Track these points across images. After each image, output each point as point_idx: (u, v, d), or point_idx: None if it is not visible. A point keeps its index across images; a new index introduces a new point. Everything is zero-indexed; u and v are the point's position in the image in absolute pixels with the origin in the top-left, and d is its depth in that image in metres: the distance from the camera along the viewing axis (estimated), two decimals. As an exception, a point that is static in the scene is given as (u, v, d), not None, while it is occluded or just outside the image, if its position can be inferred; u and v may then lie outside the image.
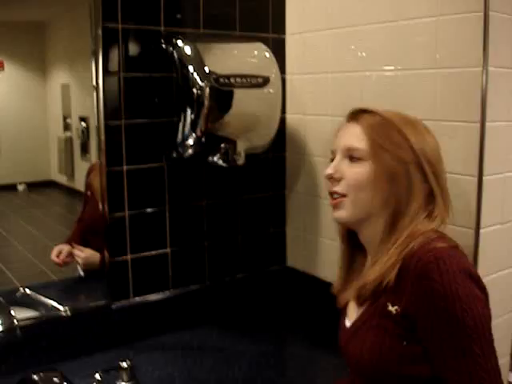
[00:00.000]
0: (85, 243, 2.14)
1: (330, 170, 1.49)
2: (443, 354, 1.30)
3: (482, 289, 1.36)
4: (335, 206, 1.49)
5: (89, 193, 2.12)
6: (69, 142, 2.17)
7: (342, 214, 1.48)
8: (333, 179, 1.49)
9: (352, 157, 1.47)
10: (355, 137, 1.48)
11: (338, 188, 1.47)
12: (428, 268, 1.30)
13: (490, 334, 1.35)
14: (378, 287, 1.39)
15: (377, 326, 1.40)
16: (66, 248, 2.12)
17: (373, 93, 2.05)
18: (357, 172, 1.45)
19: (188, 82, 1.92)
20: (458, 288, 1.29)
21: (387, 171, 1.42)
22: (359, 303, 1.49)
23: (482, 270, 1.79)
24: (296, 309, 2.38)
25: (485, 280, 1.78)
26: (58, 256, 2.11)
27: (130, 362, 1.74)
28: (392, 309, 1.37)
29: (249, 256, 2.38)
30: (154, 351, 1.99)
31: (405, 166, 1.42)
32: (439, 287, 1.28)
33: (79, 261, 2.11)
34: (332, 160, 1.53)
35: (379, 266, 1.40)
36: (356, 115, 1.55)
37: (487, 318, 1.36)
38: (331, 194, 1.50)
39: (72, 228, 2.21)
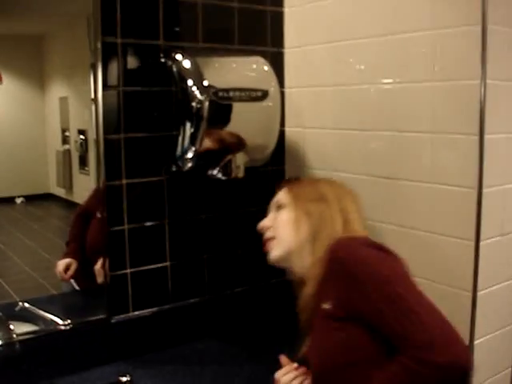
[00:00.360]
0: (86, 261, 2.14)
1: (261, 224, 1.83)
2: (378, 311, 1.40)
3: (388, 252, 1.53)
4: (268, 250, 1.78)
5: (98, 215, 2.09)
6: (67, 154, 2.17)
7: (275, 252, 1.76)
8: (264, 229, 1.81)
9: (279, 207, 1.81)
10: (280, 195, 1.83)
11: (269, 234, 1.79)
12: (334, 252, 1.55)
13: (410, 279, 1.47)
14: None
15: (319, 328, 1.58)
16: (74, 264, 2.11)
17: (371, 106, 2.06)
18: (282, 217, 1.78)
19: (187, 95, 1.93)
20: (363, 253, 1.51)
21: (304, 212, 1.74)
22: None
23: (482, 283, 1.80)
24: (296, 322, 2.37)
25: (485, 292, 1.80)
26: (65, 271, 2.10)
27: (130, 376, 1.74)
28: (326, 306, 1.54)
29: (248, 269, 2.37)
30: (154, 365, 1.98)
31: (317, 206, 1.73)
32: (347, 258, 1.51)
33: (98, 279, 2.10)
34: None
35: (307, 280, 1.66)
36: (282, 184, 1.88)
37: (401, 267, 1.50)
38: (264, 243, 1.80)
39: (69, 243, 2.21)
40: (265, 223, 1.82)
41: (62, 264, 2.11)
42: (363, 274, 1.45)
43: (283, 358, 1.73)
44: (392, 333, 1.38)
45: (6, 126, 2.06)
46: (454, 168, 1.82)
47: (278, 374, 1.68)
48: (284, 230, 1.76)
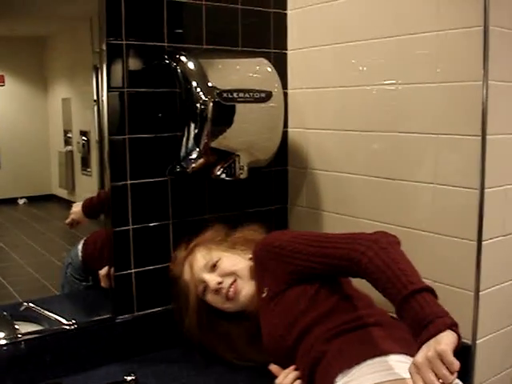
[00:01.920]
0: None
1: (216, 280, 1.94)
2: (309, 258, 1.73)
3: None
4: (237, 293, 1.94)
5: None
6: (69, 156, 2.18)
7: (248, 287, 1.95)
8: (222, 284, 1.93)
9: (213, 265, 1.96)
10: (200, 259, 1.99)
11: (229, 280, 1.94)
12: (258, 243, 1.92)
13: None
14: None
15: (264, 317, 1.85)
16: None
17: (374, 107, 2.07)
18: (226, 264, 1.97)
19: (191, 96, 1.94)
20: (274, 234, 1.94)
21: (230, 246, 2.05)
22: None
23: (484, 282, 1.81)
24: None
25: (488, 291, 1.80)
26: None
27: (135, 375, 1.75)
28: (263, 295, 1.85)
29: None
30: (159, 365, 1.99)
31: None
32: (267, 239, 1.91)
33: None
34: (204, 290, 1.97)
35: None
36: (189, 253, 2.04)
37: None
38: (227, 296, 1.93)
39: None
40: (217, 280, 1.93)
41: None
42: (282, 243, 1.80)
43: (273, 367, 1.77)
44: (335, 262, 1.66)
45: (9, 127, 2.06)
46: (456, 169, 1.83)
47: (279, 380, 1.72)
48: (239, 267, 1.96)
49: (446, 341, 1.29)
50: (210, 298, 1.96)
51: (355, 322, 1.64)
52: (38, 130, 2.16)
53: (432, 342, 1.31)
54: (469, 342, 1.84)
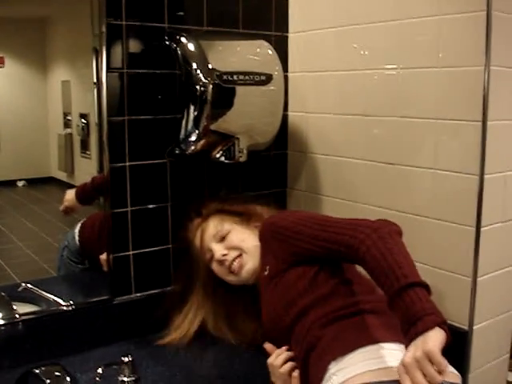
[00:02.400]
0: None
1: (222, 252, 1.96)
2: (312, 240, 1.72)
3: None
4: (241, 267, 1.95)
5: None
6: (69, 138, 2.17)
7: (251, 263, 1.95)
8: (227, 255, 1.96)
9: (222, 236, 1.99)
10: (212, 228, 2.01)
11: (233, 253, 1.95)
12: (264, 222, 1.94)
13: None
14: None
15: (265, 295, 1.87)
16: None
17: (375, 91, 2.06)
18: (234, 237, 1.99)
19: (191, 78, 1.93)
20: (281, 214, 1.98)
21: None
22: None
23: (482, 269, 1.81)
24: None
25: (485, 278, 1.81)
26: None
27: (132, 356, 1.75)
28: (265, 272, 1.86)
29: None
30: (156, 346, 2.00)
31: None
32: (272, 219, 1.93)
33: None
34: (211, 259, 1.99)
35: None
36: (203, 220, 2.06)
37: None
38: (230, 268, 1.95)
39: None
40: (223, 252, 1.96)
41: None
42: (286, 224, 1.82)
43: (268, 346, 1.79)
44: (335, 247, 1.65)
45: (8, 109, 2.05)
46: (456, 154, 1.83)
47: (270, 359, 1.74)
48: (247, 242, 1.96)
49: (433, 340, 1.29)
50: (215, 267, 1.99)
51: (351, 308, 1.64)
52: (38, 112, 2.15)
53: (419, 341, 1.30)
54: (465, 328, 1.85)
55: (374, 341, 1.51)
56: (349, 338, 1.55)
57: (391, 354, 1.47)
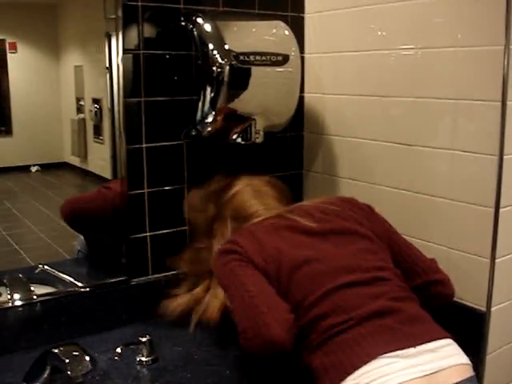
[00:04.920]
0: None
1: None
2: None
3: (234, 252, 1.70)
4: None
5: None
6: (82, 123, 2.18)
7: None
8: None
9: None
10: None
11: None
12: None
13: (236, 272, 1.66)
14: None
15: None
16: None
17: (392, 72, 2.05)
18: None
19: (208, 59, 1.92)
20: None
21: None
22: None
23: (500, 250, 1.81)
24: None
25: (504, 259, 1.79)
26: None
27: (150, 336, 1.76)
28: None
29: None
30: (173, 327, 2.00)
31: None
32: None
33: None
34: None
35: None
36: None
37: (232, 263, 1.68)
38: None
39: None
40: None
41: None
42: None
43: None
44: None
45: (21, 95, 2.06)
46: (474, 135, 1.82)
47: None
48: None
49: None
50: None
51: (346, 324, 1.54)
52: (51, 97, 2.15)
53: None
54: (483, 309, 1.84)
55: (367, 359, 1.43)
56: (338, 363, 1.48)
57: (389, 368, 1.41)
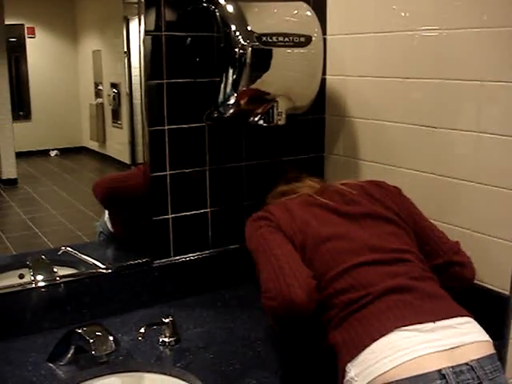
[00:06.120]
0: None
1: None
2: None
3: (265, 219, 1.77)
4: None
5: None
6: (100, 108, 2.18)
7: None
8: None
9: None
10: None
11: None
12: None
13: (265, 238, 1.71)
14: None
15: None
16: None
17: (415, 53, 2.03)
18: None
19: (230, 41, 1.90)
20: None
21: None
22: None
23: None
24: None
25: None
26: None
27: (173, 317, 1.77)
28: None
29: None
30: (195, 308, 2.02)
31: None
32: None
33: None
34: None
35: None
36: None
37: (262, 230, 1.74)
38: None
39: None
40: None
41: None
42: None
43: None
44: None
45: (40, 80, 2.06)
46: (499, 117, 1.79)
47: None
48: None
49: None
50: None
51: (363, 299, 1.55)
52: (69, 82, 2.15)
53: None
54: (507, 293, 1.83)
55: (385, 332, 1.44)
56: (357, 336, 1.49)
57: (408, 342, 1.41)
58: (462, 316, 1.50)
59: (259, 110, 2.00)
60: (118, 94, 2.14)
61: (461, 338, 1.43)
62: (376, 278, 1.57)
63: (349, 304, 1.53)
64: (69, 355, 1.68)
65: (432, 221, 1.88)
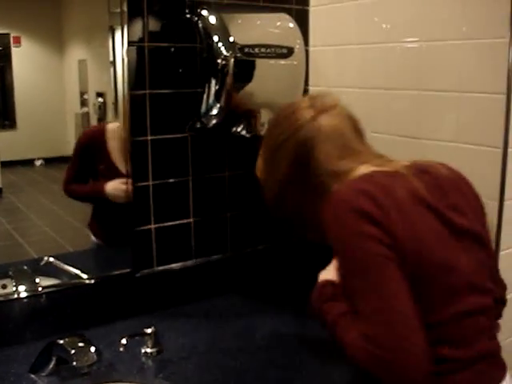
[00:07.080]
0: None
1: None
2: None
3: (375, 223, 1.25)
4: None
5: None
6: (86, 117, 2.17)
7: None
8: None
9: None
10: None
11: None
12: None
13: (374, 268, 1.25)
14: None
15: None
16: None
17: (397, 65, 2.05)
18: None
19: (212, 52, 1.92)
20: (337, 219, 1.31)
21: None
22: None
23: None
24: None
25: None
26: None
27: (155, 328, 1.77)
28: None
29: (270, 227, 2.38)
30: (177, 319, 2.01)
31: None
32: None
33: None
34: None
35: None
36: None
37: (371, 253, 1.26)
38: None
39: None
40: None
41: None
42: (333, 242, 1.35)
43: None
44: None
45: (26, 88, 2.07)
46: (479, 127, 1.81)
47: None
48: None
49: None
50: None
51: None
52: (55, 91, 2.15)
53: None
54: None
55: None
56: None
57: None
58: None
59: (242, 121, 2.01)
60: (104, 103, 2.14)
61: None
62: (472, 337, 1.32)
63: (441, 362, 1.27)
64: (50, 366, 1.67)
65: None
